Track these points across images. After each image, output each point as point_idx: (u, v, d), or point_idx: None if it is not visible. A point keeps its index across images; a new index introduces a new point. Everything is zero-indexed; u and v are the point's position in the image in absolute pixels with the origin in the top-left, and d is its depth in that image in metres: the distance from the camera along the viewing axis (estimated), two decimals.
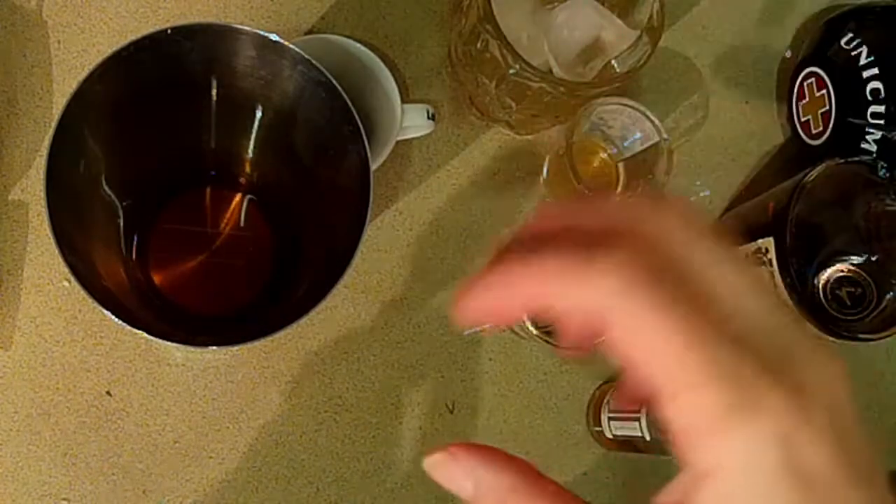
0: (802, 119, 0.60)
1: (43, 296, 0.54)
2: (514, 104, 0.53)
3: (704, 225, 0.21)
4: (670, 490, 0.21)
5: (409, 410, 0.57)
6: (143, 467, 0.54)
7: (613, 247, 0.20)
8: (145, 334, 0.36)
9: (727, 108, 0.63)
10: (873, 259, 0.52)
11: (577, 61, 0.53)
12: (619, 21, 0.52)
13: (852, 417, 0.21)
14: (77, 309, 0.54)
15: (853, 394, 0.23)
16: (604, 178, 0.59)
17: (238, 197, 0.49)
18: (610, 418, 0.54)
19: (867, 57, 0.55)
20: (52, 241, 0.35)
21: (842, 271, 0.52)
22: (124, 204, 0.45)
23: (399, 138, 0.53)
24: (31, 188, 0.55)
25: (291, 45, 0.38)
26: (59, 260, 0.54)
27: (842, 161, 0.52)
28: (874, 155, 0.55)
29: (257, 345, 0.53)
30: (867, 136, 0.55)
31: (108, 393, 0.54)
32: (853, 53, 0.56)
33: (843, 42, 0.57)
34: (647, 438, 0.50)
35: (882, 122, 0.55)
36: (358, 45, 0.52)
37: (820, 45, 0.59)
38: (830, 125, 0.57)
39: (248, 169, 0.48)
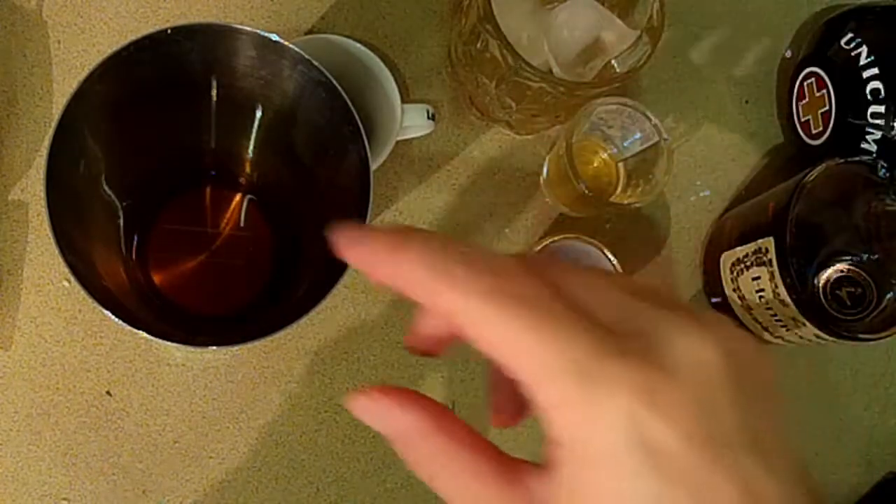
0: (802, 119, 0.60)
1: (43, 296, 0.54)
2: (514, 104, 0.53)
3: (557, 258, 0.23)
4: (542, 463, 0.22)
5: None
6: (143, 467, 0.54)
7: (484, 269, 0.22)
8: (145, 334, 0.36)
9: (727, 108, 0.63)
10: (873, 259, 0.52)
11: (577, 61, 0.53)
12: (619, 21, 0.52)
13: (724, 395, 0.21)
14: (77, 309, 0.54)
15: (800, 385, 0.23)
16: (604, 178, 0.59)
17: (238, 197, 0.49)
18: None
19: (867, 57, 0.55)
20: (52, 240, 0.35)
21: (842, 271, 0.52)
22: (124, 204, 0.45)
23: (399, 138, 0.53)
24: (31, 188, 0.55)
25: (291, 45, 0.38)
26: (59, 260, 0.54)
27: (842, 161, 0.52)
28: (874, 155, 0.55)
29: (257, 345, 0.53)
30: (867, 136, 0.55)
31: (108, 393, 0.54)
32: (853, 53, 0.56)
33: (843, 42, 0.57)
34: None
35: (882, 122, 0.55)
36: (358, 45, 0.52)
37: (820, 45, 0.59)
38: (830, 125, 0.57)
39: (247, 169, 0.48)
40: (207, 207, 0.49)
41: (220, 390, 0.55)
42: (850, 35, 0.57)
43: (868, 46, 0.55)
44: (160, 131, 0.43)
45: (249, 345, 0.38)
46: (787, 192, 0.52)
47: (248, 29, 0.38)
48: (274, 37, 0.38)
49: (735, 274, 0.56)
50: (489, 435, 0.24)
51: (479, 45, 0.51)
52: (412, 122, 0.53)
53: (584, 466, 0.21)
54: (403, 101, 0.53)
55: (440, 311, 0.22)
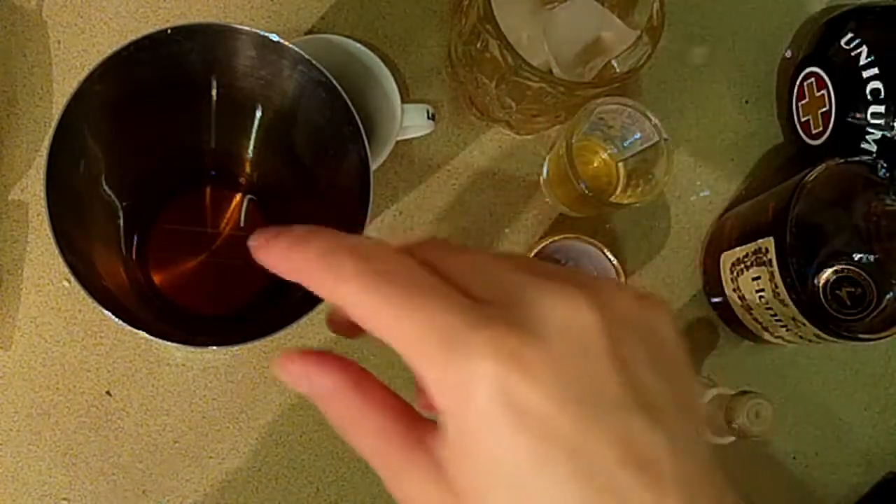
0: (802, 119, 0.60)
1: (43, 296, 0.54)
2: (514, 104, 0.53)
3: (453, 242, 0.25)
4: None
5: None
6: (143, 467, 0.54)
7: (354, 251, 0.23)
8: (145, 334, 0.36)
9: (727, 108, 0.63)
10: (873, 259, 0.52)
11: (577, 61, 0.53)
12: (619, 21, 0.52)
13: (601, 356, 0.22)
14: (77, 309, 0.54)
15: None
16: (604, 178, 0.59)
17: (238, 197, 0.49)
18: None
19: (867, 57, 0.55)
20: (52, 240, 0.35)
21: (842, 271, 0.52)
22: (124, 204, 0.45)
23: (399, 138, 0.53)
24: (31, 188, 0.55)
25: (291, 46, 0.38)
26: (59, 260, 0.54)
27: (842, 161, 0.52)
28: (874, 155, 0.55)
29: (257, 345, 0.53)
30: (867, 136, 0.55)
31: (108, 393, 0.54)
32: (853, 53, 0.56)
33: (843, 42, 0.57)
34: None
35: (882, 122, 0.55)
36: (358, 45, 0.52)
37: (820, 45, 0.59)
38: (830, 125, 0.57)
39: (248, 169, 0.48)
40: (207, 207, 0.49)
41: (220, 390, 0.55)
42: (850, 35, 0.57)
43: (868, 46, 0.55)
44: (160, 131, 0.43)
45: (249, 345, 0.38)
46: (787, 192, 0.52)
47: (248, 29, 0.38)
48: (274, 37, 0.38)
49: (735, 274, 0.56)
50: None
51: (479, 45, 0.51)
52: (412, 122, 0.53)
53: (463, 432, 0.22)
54: (403, 101, 0.53)
55: (335, 301, 0.24)
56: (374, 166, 0.52)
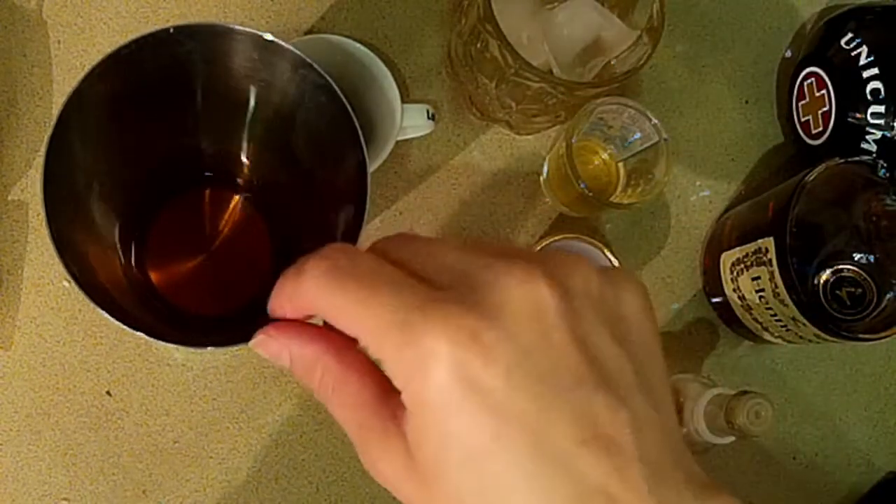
0: (802, 119, 0.60)
1: (43, 296, 0.54)
2: (514, 104, 0.53)
3: (419, 235, 0.26)
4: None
5: None
6: (143, 467, 0.54)
7: (318, 255, 0.25)
8: (143, 335, 0.36)
9: (727, 108, 0.63)
10: (873, 259, 0.52)
11: (577, 61, 0.53)
12: (619, 21, 0.52)
13: (559, 332, 0.22)
14: (77, 309, 0.54)
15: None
16: (604, 178, 0.59)
17: (237, 198, 0.49)
18: None
19: (867, 57, 0.55)
20: (50, 240, 0.35)
21: (842, 271, 0.52)
22: (123, 204, 0.45)
23: (399, 138, 0.53)
24: (31, 188, 0.55)
25: (292, 48, 0.38)
26: (59, 260, 0.55)
27: (842, 161, 0.52)
28: (874, 155, 0.55)
29: None
30: (867, 136, 0.55)
31: (108, 393, 0.54)
32: (853, 53, 0.56)
33: (843, 42, 0.57)
34: None
35: (882, 122, 0.55)
36: (358, 45, 0.52)
37: (820, 45, 0.59)
38: (830, 125, 0.57)
39: (246, 170, 0.48)
40: (206, 208, 0.49)
41: (220, 390, 0.55)
42: (850, 35, 0.57)
43: (868, 46, 0.55)
44: (159, 131, 0.43)
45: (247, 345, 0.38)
46: (787, 192, 0.52)
47: (250, 31, 0.38)
48: (275, 39, 0.38)
49: (735, 274, 0.56)
50: None
51: (479, 45, 0.51)
52: (412, 122, 0.53)
53: (423, 409, 0.22)
54: (403, 101, 0.53)
55: (302, 302, 0.25)
56: (373, 166, 0.52)
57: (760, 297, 0.54)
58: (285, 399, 0.56)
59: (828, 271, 0.52)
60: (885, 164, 0.52)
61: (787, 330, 0.54)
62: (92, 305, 0.35)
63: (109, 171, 0.42)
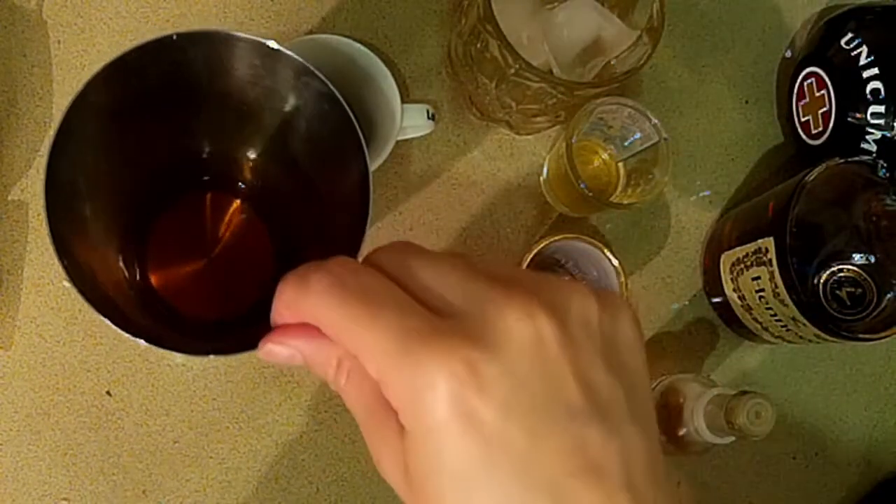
0: (802, 119, 0.60)
1: (43, 296, 0.54)
2: (514, 104, 0.53)
3: (416, 246, 0.26)
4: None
5: None
6: (143, 467, 0.54)
7: (323, 270, 0.25)
8: (143, 342, 0.36)
9: (727, 107, 0.63)
10: (873, 259, 0.52)
11: (577, 61, 0.53)
12: (619, 21, 0.52)
13: (558, 365, 0.22)
14: (77, 309, 0.54)
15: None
16: (604, 178, 0.59)
17: (238, 203, 0.49)
18: None
19: (867, 57, 0.55)
20: (52, 247, 0.35)
21: (842, 271, 0.52)
22: (124, 209, 0.45)
23: (399, 138, 0.53)
24: (31, 188, 0.55)
25: (295, 56, 0.38)
26: (61, 266, 0.55)
27: (842, 161, 0.52)
28: (874, 155, 0.55)
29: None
30: (867, 136, 0.55)
31: (108, 393, 0.54)
32: (853, 53, 0.56)
33: (843, 42, 0.57)
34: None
35: (882, 122, 0.55)
36: (358, 45, 0.52)
37: (820, 45, 0.59)
38: (830, 125, 0.57)
39: (248, 175, 0.48)
40: (207, 213, 0.49)
41: (220, 390, 0.55)
42: (850, 35, 0.57)
43: (868, 46, 0.55)
44: (161, 136, 0.43)
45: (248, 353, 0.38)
46: (787, 192, 0.52)
47: (254, 38, 0.38)
48: (278, 46, 0.38)
49: (735, 274, 0.56)
50: None
51: (479, 45, 0.51)
52: (412, 122, 0.53)
53: (419, 433, 0.23)
54: (403, 101, 0.53)
55: (304, 317, 0.25)
56: (373, 166, 0.52)
57: (760, 297, 0.54)
58: (285, 399, 0.56)
59: (828, 271, 0.52)
60: (885, 164, 0.52)
61: (787, 330, 0.54)
62: (94, 312, 0.35)
63: (111, 177, 0.42)
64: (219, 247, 0.48)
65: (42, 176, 0.34)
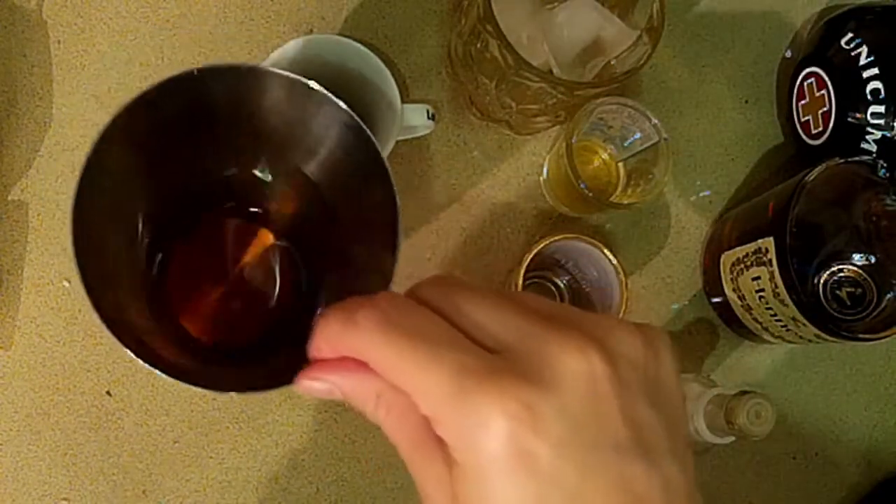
0: (802, 119, 0.60)
1: (43, 296, 0.54)
2: (514, 104, 0.53)
3: (459, 280, 0.26)
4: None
5: None
6: (143, 467, 0.54)
7: (371, 307, 0.25)
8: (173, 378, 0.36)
9: (727, 107, 0.63)
10: (873, 259, 0.52)
11: (577, 61, 0.53)
12: (619, 21, 0.52)
13: (608, 402, 0.23)
14: (77, 309, 0.54)
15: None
16: (604, 178, 0.59)
17: (260, 231, 0.49)
18: None
19: (867, 57, 0.55)
20: (81, 285, 0.34)
21: (842, 271, 0.52)
22: (143, 237, 0.44)
23: (399, 138, 0.53)
24: (31, 188, 0.55)
25: (320, 88, 0.38)
26: (59, 260, 0.55)
27: (842, 161, 0.52)
28: (874, 155, 0.55)
29: None
30: (867, 136, 0.55)
31: (108, 393, 0.54)
32: (853, 53, 0.56)
33: (843, 42, 0.57)
34: None
35: (882, 122, 0.55)
36: (358, 45, 0.52)
37: (820, 45, 0.59)
38: (830, 125, 0.57)
39: (268, 202, 0.48)
40: (229, 241, 0.49)
41: None
42: (850, 35, 0.57)
43: (868, 46, 0.55)
44: (180, 164, 0.43)
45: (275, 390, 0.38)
46: (787, 192, 0.52)
47: (276, 71, 0.38)
48: (300, 78, 0.38)
49: (735, 274, 0.56)
50: None
51: (479, 45, 0.51)
52: (412, 122, 0.53)
53: (472, 470, 0.23)
54: (403, 101, 0.52)
55: (354, 354, 0.25)
56: None
57: (760, 297, 0.54)
58: (285, 399, 0.56)
59: (828, 271, 0.52)
60: (885, 164, 0.52)
61: (787, 330, 0.54)
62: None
63: (134, 206, 0.42)
64: (238, 273, 0.48)
65: (69, 216, 0.34)
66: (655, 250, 0.61)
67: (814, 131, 0.59)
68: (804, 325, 0.51)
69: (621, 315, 0.53)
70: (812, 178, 0.51)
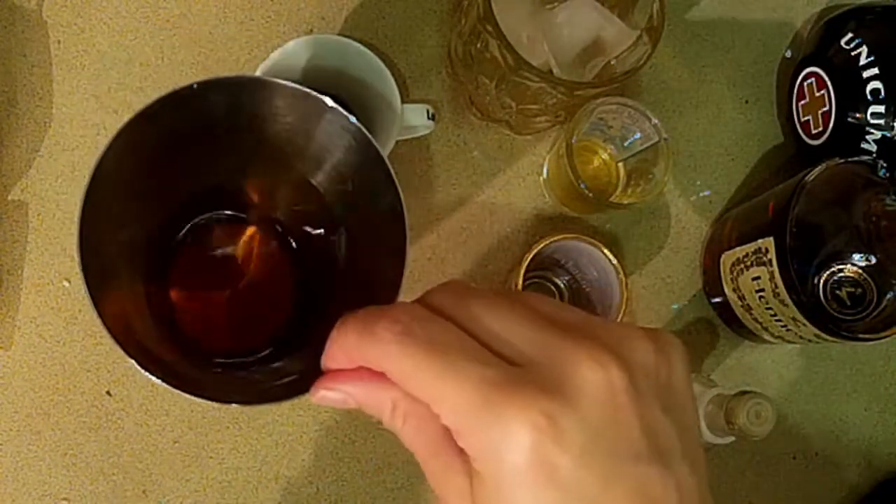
0: (802, 119, 0.60)
1: (43, 296, 0.54)
2: (514, 104, 0.53)
3: (472, 287, 0.26)
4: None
5: None
6: (143, 467, 0.54)
7: (390, 318, 0.25)
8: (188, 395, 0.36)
9: (727, 107, 0.63)
10: (873, 259, 0.52)
11: (577, 61, 0.53)
12: (619, 21, 0.52)
13: (626, 411, 0.24)
14: (77, 309, 0.54)
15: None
16: (604, 178, 0.59)
17: (263, 239, 0.49)
18: None
19: (867, 57, 0.55)
20: (87, 297, 0.35)
21: (842, 271, 0.52)
22: (147, 247, 0.44)
23: (399, 138, 0.53)
24: (31, 188, 0.55)
25: (320, 95, 0.38)
26: (59, 260, 0.55)
27: (842, 161, 0.52)
28: (874, 155, 0.55)
29: None
30: (867, 136, 0.55)
31: (108, 393, 0.54)
32: (853, 53, 0.56)
33: (843, 42, 0.57)
34: None
35: (882, 122, 0.55)
36: (358, 45, 0.52)
37: (820, 45, 0.59)
38: (830, 125, 0.57)
39: (272, 209, 0.48)
40: (232, 250, 0.49)
41: None
42: (850, 35, 0.57)
43: (868, 46, 0.55)
44: (184, 173, 0.43)
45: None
46: (787, 192, 0.52)
47: (276, 81, 0.38)
48: (301, 87, 0.38)
49: (735, 274, 0.56)
50: None
51: (479, 45, 0.51)
52: (412, 122, 0.53)
53: (495, 480, 0.23)
54: (403, 101, 0.52)
55: (374, 366, 0.25)
56: None
57: (760, 297, 0.54)
58: None
59: (828, 271, 0.52)
60: (885, 164, 0.52)
61: (787, 330, 0.54)
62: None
63: (138, 217, 0.42)
64: (242, 281, 0.48)
65: (76, 233, 0.34)
66: (655, 250, 0.61)
67: (814, 131, 0.59)
68: (804, 325, 0.51)
69: (621, 315, 0.53)
70: (812, 178, 0.51)
